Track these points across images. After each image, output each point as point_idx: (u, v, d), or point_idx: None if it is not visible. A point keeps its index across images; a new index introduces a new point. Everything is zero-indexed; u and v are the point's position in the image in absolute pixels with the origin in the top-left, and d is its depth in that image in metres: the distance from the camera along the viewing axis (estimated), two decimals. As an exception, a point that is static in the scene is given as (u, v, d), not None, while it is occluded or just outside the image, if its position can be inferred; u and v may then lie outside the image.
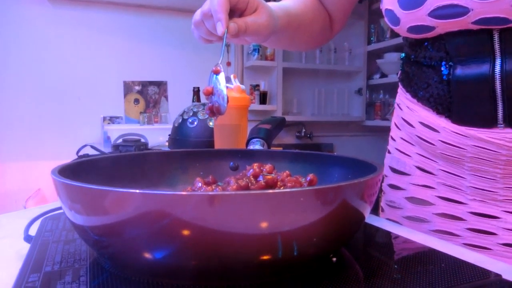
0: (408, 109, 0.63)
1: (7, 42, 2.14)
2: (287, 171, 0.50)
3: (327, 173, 0.52)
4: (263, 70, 2.68)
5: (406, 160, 0.65)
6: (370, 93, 2.94)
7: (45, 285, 0.33)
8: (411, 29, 0.56)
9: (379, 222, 0.56)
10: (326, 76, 2.90)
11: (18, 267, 0.37)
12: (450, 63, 0.55)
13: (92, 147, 1.49)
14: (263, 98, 2.64)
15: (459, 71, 0.54)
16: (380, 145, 3.09)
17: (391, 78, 2.67)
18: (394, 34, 2.68)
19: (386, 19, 0.60)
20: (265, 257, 0.31)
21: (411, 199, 0.64)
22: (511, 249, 0.56)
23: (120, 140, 1.85)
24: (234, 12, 0.55)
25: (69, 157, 0.91)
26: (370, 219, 0.57)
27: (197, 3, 2.38)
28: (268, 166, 0.48)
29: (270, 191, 0.30)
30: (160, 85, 2.45)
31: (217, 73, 0.55)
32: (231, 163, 0.58)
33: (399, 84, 0.69)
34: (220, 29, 0.52)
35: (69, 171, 0.40)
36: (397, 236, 0.47)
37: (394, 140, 0.69)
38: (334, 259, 0.38)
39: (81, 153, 1.46)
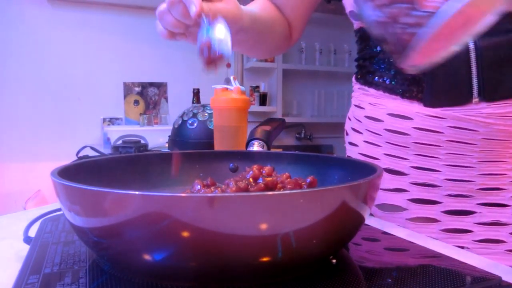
0: (371, 106, 0.62)
1: (7, 43, 2.14)
2: (286, 173, 0.50)
3: (327, 174, 0.52)
4: (263, 72, 2.69)
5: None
6: (370, 95, 2.94)
7: (45, 287, 0.33)
8: (351, 15, 0.56)
9: (379, 223, 0.56)
10: (326, 77, 2.91)
11: (18, 268, 0.37)
12: None
13: (92, 148, 1.49)
14: (263, 99, 2.64)
15: None
16: (380, 146, 3.09)
17: (391, 80, 2.67)
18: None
19: (352, 21, 0.60)
20: (265, 259, 0.31)
21: (382, 206, 0.62)
22: (488, 245, 0.55)
23: (120, 142, 1.85)
24: None
25: (69, 159, 0.90)
26: (370, 220, 0.57)
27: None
28: (267, 168, 0.48)
29: (270, 193, 0.30)
30: (160, 87, 2.45)
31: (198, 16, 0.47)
32: (231, 164, 0.58)
33: (356, 84, 0.68)
34: (194, 9, 0.46)
35: (68, 173, 0.40)
36: (397, 238, 0.47)
37: (355, 145, 0.67)
38: (334, 260, 0.38)
39: (81, 154, 1.46)
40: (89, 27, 2.29)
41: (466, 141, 0.53)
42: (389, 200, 0.61)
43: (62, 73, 2.24)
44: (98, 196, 0.30)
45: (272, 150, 0.70)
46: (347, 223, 0.35)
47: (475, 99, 0.52)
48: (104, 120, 2.32)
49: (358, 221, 0.37)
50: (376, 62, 0.62)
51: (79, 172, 0.43)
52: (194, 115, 1.10)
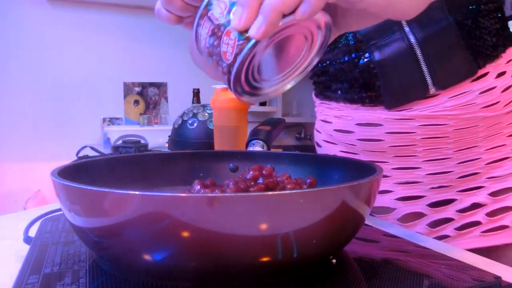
0: (337, 119, 0.63)
1: (6, 43, 2.14)
2: (287, 173, 0.50)
3: (327, 174, 0.52)
4: (263, 72, 2.68)
5: None
6: (370, 95, 2.94)
7: (45, 287, 0.33)
8: None
9: (379, 223, 0.56)
10: (326, 77, 2.91)
11: (18, 268, 0.37)
12: (366, 50, 0.56)
13: (92, 148, 1.49)
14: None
15: (377, 53, 0.55)
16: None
17: (391, 80, 2.67)
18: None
19: None
20: (265, 259, 0.31)
21: (373, 209, 0.64)
22: (468, 230, 0.58)
23: (120, 142, 1.85)
24: None
25: (69, 159, 0.90)
26: (370, 220, 0.57)
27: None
28: (267, 168, 0.48)
29: (270, 193, 0.30)
30: (160, 87, 2.45)
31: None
32: (231, 164, 0.58)
33: (317, 100, 0.69)
34: None
35: (68, 173, 0.40)
36: (397, 238, 0.47)
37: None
38: (334, 260, 0.38)
39: (81, 154, 1.46)
40: (89, 27, 2.29)
41: (439, 136, 0.55)
42: (379, 202, 0.62)
43: (62, 73, 2.24)
44: (98, 196, 0.30)
45: (272, 150, 0.70)
46: (347, 223, 0.35)
47: (432, 89, 0.54)
48: (104, 120, 2.32)
49: (358, 221, 0.37)
50: (329, 76, 0.63)
51: (79, 172, 0.43)
52: (194, 115, 1.10)
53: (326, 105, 0.66)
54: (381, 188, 0.61)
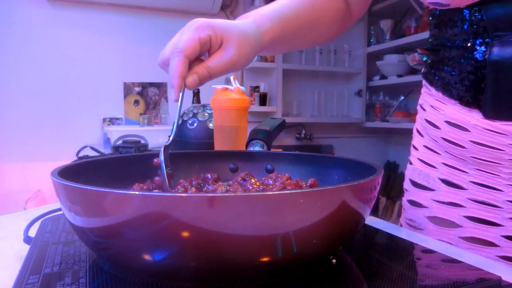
0: (432, 109, 0.55)
1: (6, 43, 2.14)
2: (287, 174, 0.50)
3: (327, 174, 0.52)
4: (263, 72, 2.68)
5: (430, 172, 0.57)
6: (370, 95, 2.94)
7: (45, 287, 0.33)
8: (433, 3, 0.48)
9: (379, 223, 0.56)
10: (326, 77, 2.91)
11: (18, 268, 0.37)
12: (487, 40, 0.46)
13: (92, 148, 1.49)
14: (263, 99, 2.64)
15: (497, 50, 0.45)
16: (379, 146, 3.09)
17: (391, 80, 2.67)
18: (394, 36, 2.69)
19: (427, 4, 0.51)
20: (265, 259, 0.31)
21: (434, 219, 0.56)
22: None
23: (120, 142, 1.85)
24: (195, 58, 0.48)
25: (69, 159, 0.91)
26: (370, 220, 0.57)
27: (196, 4, 2.38)
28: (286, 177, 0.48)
29: (270, 192, 0.30)
30: (160, 87, 2.45)
31: (156, 165, 0.48)
32: (231, 164, 0.58)
33: (423, 81, 0.60)
34: (172, 97, 0.46)
35: (69, 173, 0.40)
36: (396, 238, 0.47)
37: (416, 149, 0.61)
38: (334, 261, 0.38)
39: (81, 154, 1.46)
40: (89, 27, 2.29)
41: None
42: (442, 214, 0.55)
43: (62, 73, 2.24)
44: (98, 196, 0.30)
45: (272, 150, 0.70)
46: (347, 223, 0.35)
47: None
48: (104, 120, 2.32)
49: (358, 221, 0.37)
50: (441, 56, 0.54)
51: (79, 172, 0.43)
52: (194, 115, 1.10)
53: (427, 91, 0.58)
54: (452, 199, 0.54)
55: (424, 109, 0.58)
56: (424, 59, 0.59)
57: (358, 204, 0.34)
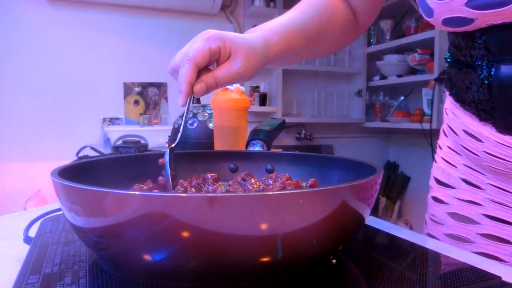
0: (453, 115, 0.57)
1: (6, 43, 2.14)
2: (287, 174, 0.50)
3: (327, 174, 0.52)
4: (263, 72, 2.68)
5: (451, 171, 0.59)
6: (370, 95, 2.94)
7: (45, 287, 0.33)
8: (446, 21, 0.49)
9: (379, 223, 0.56)
10: (326, 77, 2.91)
11: (18, 268, 0.37)
12: (492, 63, 0.48)
13: (92, 148, 1.49)
14: (263, 99, 2.64)
15: (502, 72, 0.47)
16: (379, 147, 3.09)
17: (391, 80, 2.67)
18: (394, 36, 2.69)
19: (420, 9, 0.53)
20: (265, 259, 0.31)
21: (454, 215, 0.58)
22: None
23: (120, 142, 1.85)
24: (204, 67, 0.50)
25: (69, 159, 0.91)
26: (370, 220, 0.57)
27: (196, 4, 2.38)
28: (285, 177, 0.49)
29: (270, 192, 0.30)
30: (160, 87, 2.45)
31: (161, 165, 0.50)
32: (231, 164, 0.58)
33: (445, 88, 0.62)
34: (180, 102, 0.49)
35: (69, 173, 0.40)
36: (396, 238, 0.47)
37: (441, 148, 0.63)
38: (334, 261, 0.38)
39: (81, 154, 1.46)
40: (89, 27, 2.29)
41: None
42: (462, 211, 0.57)
43: (62, 73, 2.24)
44: (98, 196, 0.30)
45: (272, 150, 0.70)
46: (347, 223, 0.35)
47: None
48: (104, 120, 2.32)
49: (358, 221, 0.37)
50: (460, 66, 0.55)
51: (79, 172, 0.43)
52: (194, 115, 1.10)
53: (449, 97, 0.59)
54: (471, 198, 0.56)
55: (447, 114, 0.60)
56: (445, 69, 0.59)
57: (358, 204, 0.34)
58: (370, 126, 2.91)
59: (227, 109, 0.77)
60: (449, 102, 0.60)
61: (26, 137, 2.19)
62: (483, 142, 0.51)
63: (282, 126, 0.82)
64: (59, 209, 0.55)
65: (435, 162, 0.64)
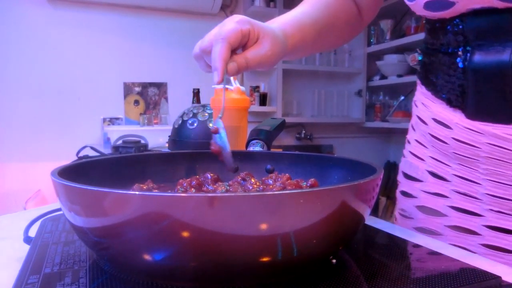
0: (422, 106, 0.59)
1: (7, 43, 2.14)
2: (287, 174, 0.50)
3: (327, 174, 0.52)
4: (263, 72, 2.68)
5: (419, 164, 0.61)
6: (370, 95, 2.94)
7: (45, 287, 0.33)
8: (428, 5, 0.51)
9: (379, 223, 0.56)
10: (326, 77, 2.91)
11: (18, 268, 0.37)
12: (468, 48, 0.49)
13: (92, 148, 1.48)
14: (263, 99, 2.64)
15: (477, 58, 0.48)
16: (380, 146, 3.09)
17: (391, 80, 2.67)
18: (394, 36, 2.69)
19: (417, 11, 0.55)
20: (265, 259, 0.31)
21: (422, 208, 0.59)
22: None
23: (120, 142, 1.85)
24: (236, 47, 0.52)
25: (69, 158, 0.90)
26: (370, 221, 0.57)
27: (196, 4, 2.38)
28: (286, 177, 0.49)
29: (270, 192, 0.30)
30: (160, 87, 2.45)
31: (215, 133, 0.51)
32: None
33: (417, 79, 0.64)
34: (216, 79, 0.49)
35: (68, 173, 0.40)
36: (396, 238, 0.47)
37: (409, 143, 0.65)
38: (334, 261, 0.38)
39: (81, 154, 1.45)
40: (89, 27, 2.29)
41: (505, 160, 0.49)
42: (430, 204, 0.58)
43: (62, 73, 2.24)
44: (98, 196, 0.30)
45: (272, 150, 0.70)
46: (347, 223, 0.35)
47: None
48: (104, 120, 2.32)
49: (358, 221, 0.37)
50: (432, 60, 0.57)
51: (79, 172, 0.43)
52: (194, 115, 1.10)
53: (420, 89, 0.61)
54: (437, 190, 0.57)
55: (416, 106, 0.62)
56: (420, 58, 0.61)
57: (358, 204, 0.34)
58: (370, 126, 2.91)
59: (227, 109, 0.77)
60: (419, 94, 0.62)
61: (26, 137, 2.19)
62: (452, 129, 0.53)
63: (282, 126, 0.82)
64: (59, 209, 0.55)
65: (404, 156, 0.66)
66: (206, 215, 0.28)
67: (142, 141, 1.91)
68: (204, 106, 1.14)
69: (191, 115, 1.11)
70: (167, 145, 1.29)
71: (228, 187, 0.47)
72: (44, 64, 2.21)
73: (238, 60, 0.50)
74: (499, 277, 0.35)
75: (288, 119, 2.54)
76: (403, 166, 0.65)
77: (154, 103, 2.44)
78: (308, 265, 0.35)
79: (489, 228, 0.52)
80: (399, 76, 2.61)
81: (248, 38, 0.51)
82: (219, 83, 0.49)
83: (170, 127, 1.21)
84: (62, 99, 2.25)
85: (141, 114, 2.38)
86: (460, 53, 0.51)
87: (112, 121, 2.34)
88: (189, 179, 0.51)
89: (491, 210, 0.52)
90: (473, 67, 0.49)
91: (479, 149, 0.50)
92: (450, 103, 0.53)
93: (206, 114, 1.10)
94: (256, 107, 2.58)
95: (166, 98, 2.46)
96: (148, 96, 2.43)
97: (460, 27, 0.50)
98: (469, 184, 0.54)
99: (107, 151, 1.82)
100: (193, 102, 1.88)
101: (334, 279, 0.34)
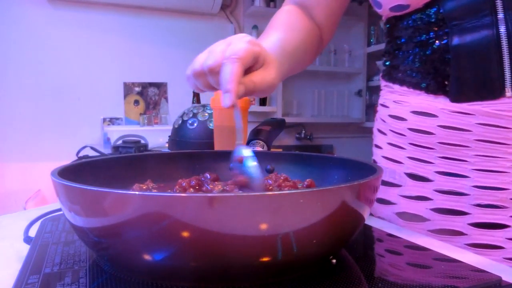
0: (395, 104, 0.58)
1: (7, 43, 2.14)
2: (284, 175, 0.50)
3: (327, 174, 0.52)
4: (263, 72, 2.68)
5: (395, 168, 0.58)
6: (370, 95, 2.94)
7: (45, 287, 0.33)
8: (393, 8, 0.54)
9: (379, 223, 0.56)
10: (326, 77, 2.91)
11: (18, 268, 0.37)
12: (446, 30, 0.49)
13: (92, 148, 1.49)
14: (263, 99, 2.64)
15: (456, 37, 0.48)
16: (380, 146, 3.09)
17: (391, 80, 2.67)
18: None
19: (372, 3, 0.58)
20: (265, 259, 0.31)
21: (402, 215, 0.58)
22: None
23: (120, 142, 1.85)
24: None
25: (69, 158, 0.90)
26: (370, 221, 0.57)
27: (196, 4, 2.38)
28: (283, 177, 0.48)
29: (270, 193, 0.30)
30: (160, 87, 2.45)
31: (240, 162, 0.45)
32: (231, 164, 0.58)
33: (382, 82, 0.65)
34: (228, 102, 0.45)
35: (69, 173, 0.40)
36: (397, 238, 0.47)
37: (380, 147, 0.64)
38: (334, 260, 0.38)
39: (81, 154, 1.46)
40: (89, 27, 2.29)
41: (498, 141, 0.47)
42: (411, 209, 0.57)
43: (62, 73, 2.24)
44: (98, 196, 0.30)
45: (272, 150, 0.70)
46: (347, 223, 0.35)
47: (509, 92, 0.46)
48: (104, 120, 2.32)
49: (358, 221, 0.37)
50: (401, 55, 0.58)
51: (79, 172, 0.43)
52: (194, 115, 1.10)
53: (389, 89, 0.61)
54: (418, 193, 0.55)
55: (387, 107, 0.61)
56: (387, 63, 0.62)
57: (358, 204, 0.34)
58: (370, 126, 2.89)
59: (227, 109, 0.77)
60: (387, 94, 0.61)
61: (26, 137, 2.19)
62: (437, 116, 0.52)
63: (282, 126, 0.82)
64: (59, 209, 0.55)
65: (374, 162, 0.64)
66: (206, 215, 0.28)
67: (142, 141, 1.91)
68: (204, 106, 1.14)
69: (191, 115, 1.11)
70: (167, 145, 1.29)
71: (224, 187, 0.47)
72: (44, 64, 2.21)
73: (246, 83, 0.46)
74: (499, 277, 0.35)
75: (288, 119, 2.54)
76: None
77: (154, 103, 2.44)
78: (308, 265, 0.35)
79: (474, 226, 0.51)
80: (399, 76, 2.60)
81: (257, 61, 0.47)
82: (230, 106, 0.44)
83: (170, 127, 1.21)
84: (62, 99, 2.25)
85: (141, 114, 2.38)
86: (434, 38, 0.51)
87: (112, 121, 2.34)
88: (189, 179, 0.51)
89: (478, 205, 0.51)
90: (455, 47, 0.48)
91: (469, 132, 0.49)
92: (431, 90, 0.52)
93: (206, 114, 1.10)
94: (256, 107, 2.58)
95: (166, 98, 2.46)
96: (148, 96, 2.43)
97: (441, 11, 0.50)
98: (454, 180, 0.52)
99: (107, 151, 1.82)
100: (193, 102, 1.88)
101: (334, 279, 0.34)
